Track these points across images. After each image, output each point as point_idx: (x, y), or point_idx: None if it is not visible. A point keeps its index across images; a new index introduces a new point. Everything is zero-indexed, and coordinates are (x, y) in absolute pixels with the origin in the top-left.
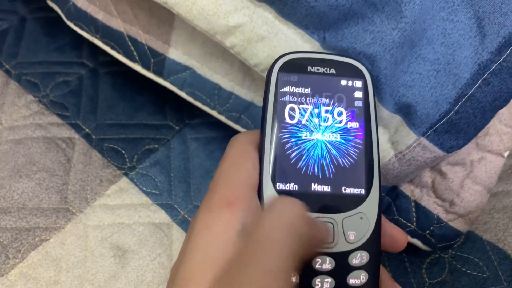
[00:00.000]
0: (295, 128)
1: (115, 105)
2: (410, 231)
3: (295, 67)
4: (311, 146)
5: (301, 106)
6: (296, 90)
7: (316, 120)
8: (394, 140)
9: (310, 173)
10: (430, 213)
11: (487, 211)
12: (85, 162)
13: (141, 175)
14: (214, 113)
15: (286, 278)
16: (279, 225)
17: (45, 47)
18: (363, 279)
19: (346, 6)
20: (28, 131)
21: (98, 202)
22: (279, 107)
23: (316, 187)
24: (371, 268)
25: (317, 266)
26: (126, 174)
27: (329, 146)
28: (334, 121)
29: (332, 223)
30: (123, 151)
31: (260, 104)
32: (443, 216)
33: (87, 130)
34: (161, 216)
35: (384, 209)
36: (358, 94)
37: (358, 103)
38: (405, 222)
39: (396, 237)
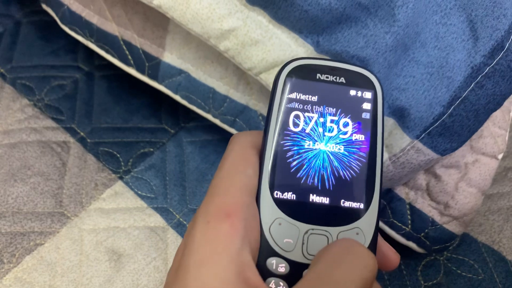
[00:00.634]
0: (298, 136)
1: (110, 109)
2: (405, 234)
3: (304, 73)
4: (313, 156)
5: (306, 114)
6: (302, 97)
7: (320, 130)
8: (388, 143)
9: (310, 183)
10: (425, 215)
11: (482, 213)
12: (80, 166)
13: (136, 179)
14: (209, 116)
15: None
16: (356, 277)
17: (40, 51)
18: None
19: (339, 10)
20: (23, 135)
21: (93, 206)
22: (284, 113)
23: (314, 198)
24: None
25: None
26: (121, 178)
27: (331, 157)
28: (339, 131)
29: (327, 236)
30: (118, 155)
31: (255, 108)
32: (437, 218)
33: (82, 133)
34: (157, 219)
35: None
36: (367, 106)
37: (366, 115)
38: (400, 224)
39: (390, 256)
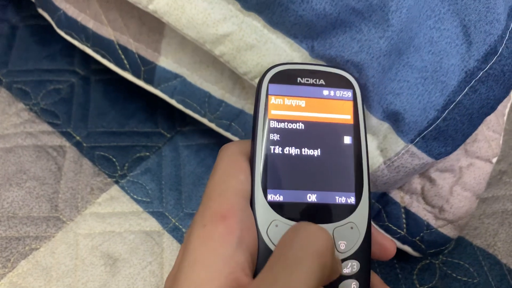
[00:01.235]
0: (285, 139)
1: (106, 113)
2: (400, 238)
3: (285, 78)
4: (302, 157)
5: (291, 117)
6: (286, 101)
7: (306, 131)
8: (383, 147)
9: (301, 184)
10: (420, 219)
11: (477, 217)
12: (76, 170)
13: (132, 183)
14: (204, 120)
15: None
16: (309, 251)
17: (36, 55)
18: None
19: (333, 15)
20: (19, 140)
21: (88, 210)
22: (269, 118)
23: (306, 197)
24: (362, 277)
25: None
26: (117, 182)
27: (319, 156)
28: (323, 132)
29: None
30: (114, 159)
31: (250, 112)
32: (432, 222)
33: (78, 138)
34: (152, 224)
35: (374, 216)
36: (348, 105)
37: (348, 114)
38: (395, 228)
39: (386, 245)
